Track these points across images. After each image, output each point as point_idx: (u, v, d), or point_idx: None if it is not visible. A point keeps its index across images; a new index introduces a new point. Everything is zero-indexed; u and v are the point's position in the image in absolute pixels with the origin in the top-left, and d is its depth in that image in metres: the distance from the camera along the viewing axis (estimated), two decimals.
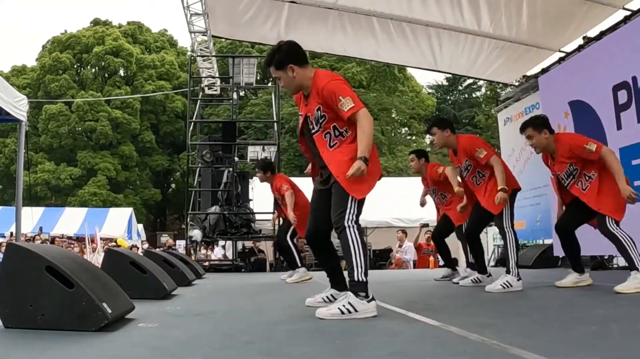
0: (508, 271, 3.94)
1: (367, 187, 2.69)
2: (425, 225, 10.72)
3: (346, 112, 2.63)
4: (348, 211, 2.63)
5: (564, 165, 3.81)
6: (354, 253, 2.57)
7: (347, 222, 2.61)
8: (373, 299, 2.56)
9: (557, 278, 4.24)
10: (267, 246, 11.00)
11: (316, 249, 3.08)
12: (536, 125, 3.87)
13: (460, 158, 4.25)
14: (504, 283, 3.88)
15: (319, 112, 2.74)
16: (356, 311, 2.49)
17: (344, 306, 2.50)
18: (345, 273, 2.72)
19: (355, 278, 2.54)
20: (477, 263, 4.79)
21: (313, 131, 2.81)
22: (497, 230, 4.31)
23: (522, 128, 3.96)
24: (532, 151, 4.40)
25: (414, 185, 14.68)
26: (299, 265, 5.69)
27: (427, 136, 33.13)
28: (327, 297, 3.05)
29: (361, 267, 2.55)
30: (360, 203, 2.70)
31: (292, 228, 5.63)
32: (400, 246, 10.82)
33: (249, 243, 11.38)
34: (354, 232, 2.62)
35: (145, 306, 2.92)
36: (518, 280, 3.91)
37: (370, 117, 2.69)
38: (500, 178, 3.99)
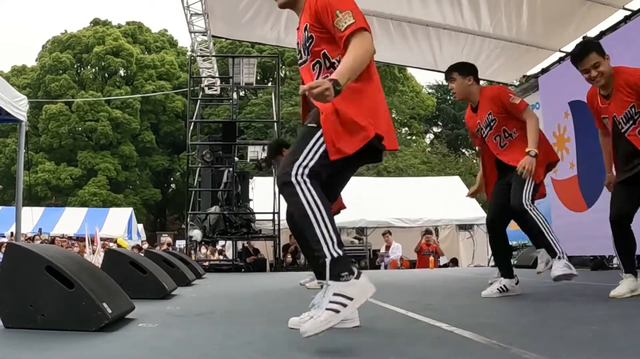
0: (554, 255, 3.18)
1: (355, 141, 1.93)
2: (429, 232, 10.77)
3: (342, 32, 1.93)
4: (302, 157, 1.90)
5: (626, 103, 2.99)
6: (312, 217, 1.83)
7: (296, 176, 1.87)
8: (359, 272, 1.79)
9: None
10: (266, 246, 11.00)
11: None
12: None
13: (481, 113, 3.45)
14: (566, 267, 3.14)
15: (307, 32, 2.06)
16: (351, 299, 1.73)
17: (332, 302, 1.72)
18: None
19: (327, 255, 1.78)
20: (502, 265, 3.62)
21: (300, 61, 2.15)
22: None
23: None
24: None
25: (414, 185, 14.76)
26: None
27: (427, 136, 33.25)
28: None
29: (326, 239, 1.81)
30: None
31: None
32: (387, 247, 10.86)
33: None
34: None
35: (145, 306, 2.92)
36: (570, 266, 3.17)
37: (371, 42, 1.97)
38: (532, 138, 3.21)
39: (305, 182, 1.85)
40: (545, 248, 3.26)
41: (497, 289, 3.44)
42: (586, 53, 3.04)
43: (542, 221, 3.21)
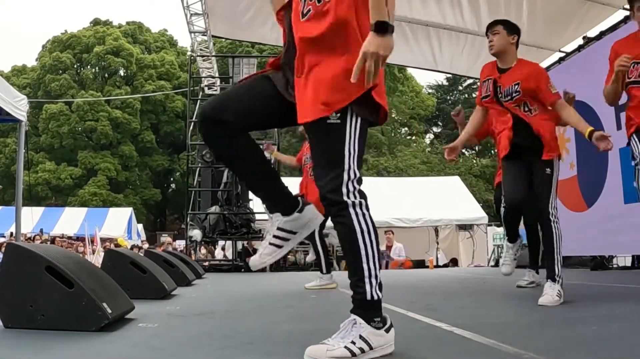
0: (553, 278, 3.02)
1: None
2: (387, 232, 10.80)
3: None
4: None
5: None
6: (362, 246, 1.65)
7: None
8: (391, 325, 1.70)
9: None
10: None
11: None
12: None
13: (507, 80, 3.26)
14: (558, 293, 2.99)
15: None
16: (371, 348, 1.63)
17: (353, 343, 1.61)
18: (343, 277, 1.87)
19: (368, 295, 1.64)
20: (533, 255, 3.63)
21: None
22: (497, 229, 3.83)
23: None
24: None
25: (414, 185, 14.75)
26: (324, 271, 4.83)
27: (427, 136, 33.26)
28: (276, 236, 1.84)
29: (375, 276, 1.66)
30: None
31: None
32: (389, 247, 10.87)
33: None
34: None
35: (145, 306, 2.92)
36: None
37: None
38: (580, 119, 3.21)
39: (360, 205, 1.67)
40: (547, 267, 3.15)
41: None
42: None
43: (557, 240, 3.14)
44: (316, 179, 1.71)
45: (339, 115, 1.65)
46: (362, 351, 1.60)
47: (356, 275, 1.65)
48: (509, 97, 3.25)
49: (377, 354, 1.63)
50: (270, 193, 1.84)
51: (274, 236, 1.77)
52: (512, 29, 3.32)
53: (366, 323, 1.63)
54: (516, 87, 3.22)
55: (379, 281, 1.66)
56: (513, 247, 3.71)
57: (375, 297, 1.64)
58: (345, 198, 1.65)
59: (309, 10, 1.71)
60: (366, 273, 1.64)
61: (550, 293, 2.96)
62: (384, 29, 1.55)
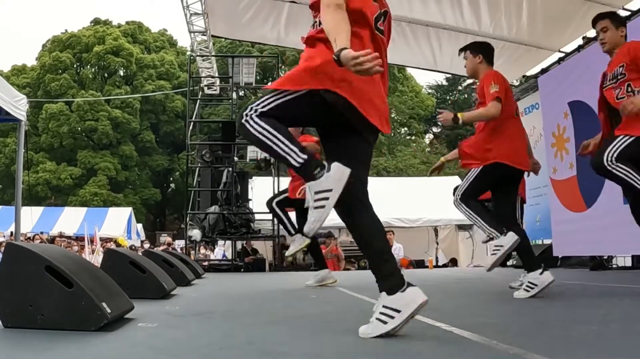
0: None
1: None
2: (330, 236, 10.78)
3: None
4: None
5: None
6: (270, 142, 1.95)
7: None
8: (409, 284, 1.90)
9: (556, 278, 4.24)
10: (265, 247, 11.00)
11: None
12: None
13: (615, 62, 3.27)
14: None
15: None
16: (397, 311, 1.86)
17: (382, 313, 1.87)
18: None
19: (295, 163, 1.92)
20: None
21: None
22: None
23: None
24: (532, 151, 4.33)
25: (414, 185, 14.75)
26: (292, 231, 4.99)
27: (427, 136, 33.24)
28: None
29: (294, 151, 1.93)
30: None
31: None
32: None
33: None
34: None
35: (145, 306, 2.92)
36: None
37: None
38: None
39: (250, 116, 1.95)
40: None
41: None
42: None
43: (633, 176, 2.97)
44: None
45: None
46: (391, 317, 1.84)
47: (280, 159, 1.93)
48: (614, 81, 3.24)
49: (406, 314, 1.84)
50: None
51: (315, 200, 1.91)
52: (619, 21, 3.48)
53: (386, 294, 1.87)
54: (621, 69, 3.20)
55: (297, 148, 1.90)
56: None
57: (302, 160, 1.89)
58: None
59: None
60: (283, 153, 1.90)
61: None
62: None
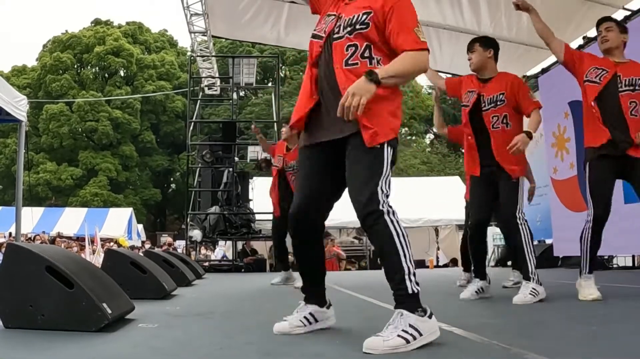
0: (527, 278, 3.14)
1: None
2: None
3: (412, 44, 1.96)
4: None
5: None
6: (399, 248, 1.88)
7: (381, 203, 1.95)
8: (432, 313, 1.87)
9: (557, 278, 4.24)
10: (266, 247, 11.00)
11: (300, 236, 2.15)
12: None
13: (493, 88, 3.44)
14: (532, 291, 3.10)
15: (364, 16, 1.99)
16: (421, 334, 1.79)
17: (405, 331, 1.78)
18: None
19: (409, 290, 1.85)
20: (480, 267, 3.62)
21: (335, 36, 2.04)
22: (497, 229, 3.91)
23: (604, 20, 3.37)
24: (532, 151, 4.32)
25: (414, 185, 14.74)
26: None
27: (427, 136, 33.21)
28: (306, 318, 2.15)
29: (413, 273, 1.87)
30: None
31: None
32: None
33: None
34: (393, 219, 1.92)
35: (145, 306, 2.92)
36: (540, 285, 3.16)
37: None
38: (532, 126, 3.28)
39: (389, 212, 1.93)
40: (520, 269, 3.30)
41: (475, 291, 3.47)
42: (603, 21, 3.35)
43: (527, 241, 3.22)
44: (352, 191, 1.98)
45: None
46: (414, 337, 1.78)
47: (397, 274, 1.85)
48: (492, 105, 3.40)
49: (427, 340, 1.80)
50: (316, 284, 2.21)
51: (304, 318, 2.13)
52: (488, 44, 3.72)
53: (411, 313, 1.81)
54: (500, 96, 3.38)
55: (416, 277, 1.86)
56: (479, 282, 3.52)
57: (416, 291, 1.85)
58: (380, 207, 1.91)
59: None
60: (406, 271, 1.85)
61: (524, 292, 3.10)
62: (370, 76, 1.86)
